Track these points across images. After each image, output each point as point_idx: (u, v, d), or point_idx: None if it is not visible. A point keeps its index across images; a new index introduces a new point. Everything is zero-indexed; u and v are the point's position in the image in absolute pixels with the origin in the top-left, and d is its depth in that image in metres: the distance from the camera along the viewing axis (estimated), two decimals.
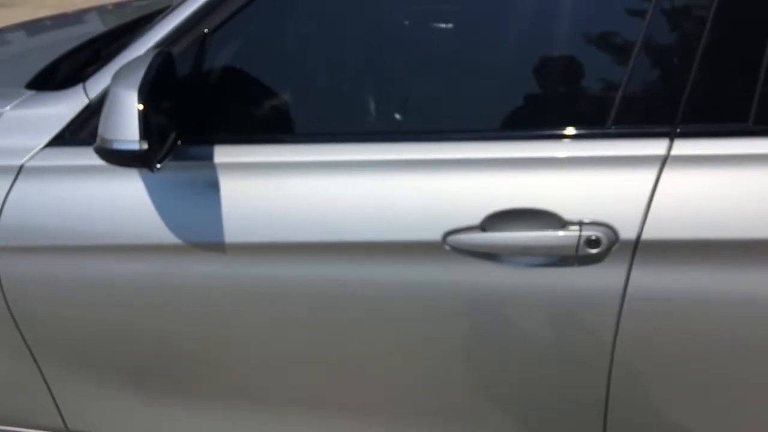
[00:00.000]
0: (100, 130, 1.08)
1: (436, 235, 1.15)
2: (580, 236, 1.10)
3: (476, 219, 1.13)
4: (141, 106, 1.04)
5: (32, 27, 2.32)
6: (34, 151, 1.28)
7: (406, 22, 1.28)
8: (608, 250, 1.11)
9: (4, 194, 1.27)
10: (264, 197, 1.20)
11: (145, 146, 1.05)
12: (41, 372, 1.40)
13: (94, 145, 1.10)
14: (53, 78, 1.53)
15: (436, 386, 1.28)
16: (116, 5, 2.61)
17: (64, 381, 1.41)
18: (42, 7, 7.34)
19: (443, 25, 1.23)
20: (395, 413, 1.33)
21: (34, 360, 1.38)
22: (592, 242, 1.10)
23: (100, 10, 2.54)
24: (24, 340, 1.36)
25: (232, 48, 1.26)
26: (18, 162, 1.27)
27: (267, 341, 1.28)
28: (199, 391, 1.37)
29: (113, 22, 2.24)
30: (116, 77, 1.09)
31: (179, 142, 1.20)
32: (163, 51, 1.14)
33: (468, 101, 1.19)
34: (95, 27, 2.25)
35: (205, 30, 1.23)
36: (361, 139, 1.20)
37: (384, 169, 1.17)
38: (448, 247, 1.15)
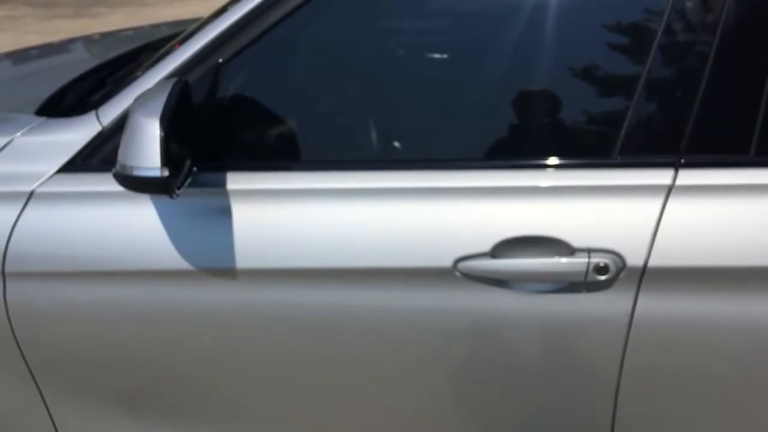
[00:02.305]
0: (120, 157, 1.09)
1: (447, 262, 1.17)
2: (589, 263, 1.13)
3: (486, 246, 1.16)
4: (162, 134, 1.06)
5: (20, 56, 2.33)
6: (45, 177, 1.28)
7: (418, 54, 1.31)
8: (616, 276, 1.14)
9: (13, 219, 1.26)
10: (276, 224, 1.21)
11: (166, 173, 1.06)
12: (43, 398, 1.38)
13: (113, 170, 1.11)
14: (59, 105, 1.54)
15: (446, 411, 1.29)
16: (103, 35, 2.64)
17: (66, 407, 1.39)
18: (29, 33, 7.35)
19: (455, 58, 1.27)
20: None
21: (37, 386, 1.37)
22: (601, 269, 1.13)
23: (87, 39, 2.56)
24: (27, 365, 1.34)
25: (245, 77, 1.29)
26: (29, 188, 1.27)
27: (276, 367, 1.28)
28: (208, 417, 1.37)
29: (101, 51, 2.28)
30: (136, 105, 1.10)
31: (195, 168, 1.22)
32: (181, 80, 1.16)
33: (479, 131, 1.23)
34: (83, 55, 2.28)
35: (220, 60, 1.25)
36: (373, 167, 1.22)
37: (396, 196, 1.19)
38: (459, 273, 1.17)
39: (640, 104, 1.15)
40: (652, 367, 1.18)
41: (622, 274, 1.14)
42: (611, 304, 1.15)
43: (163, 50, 1.59)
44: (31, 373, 1.35)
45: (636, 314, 1.15)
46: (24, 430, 1.44)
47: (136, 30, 2.71)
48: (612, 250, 1.13)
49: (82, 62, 2.14)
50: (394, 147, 1.26)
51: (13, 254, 1.26)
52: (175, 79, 1.16)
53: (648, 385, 1.20)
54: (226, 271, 1.22)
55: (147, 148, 1.06)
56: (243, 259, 1.21)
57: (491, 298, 1.18)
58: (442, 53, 1.29)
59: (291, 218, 1.21)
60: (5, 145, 1.32)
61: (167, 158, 1.07)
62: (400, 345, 1.23)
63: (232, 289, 1.23)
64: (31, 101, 1.61)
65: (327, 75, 1.31)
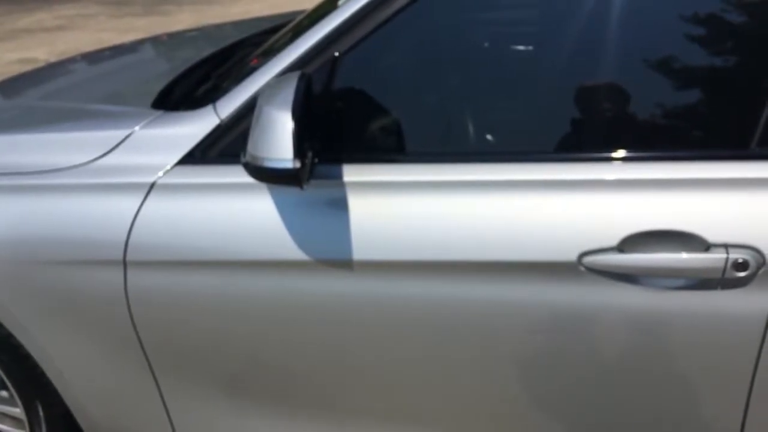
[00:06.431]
0: (250, 148, 1.11)
1: (571, 256, 1.14)
2: (727, 259, 1.08)
3: (614, 240, 1.13)
4: (294, 126, 1.07)
5: (96, 57, 2.43)
6: (166, 168, 1.31)
7: (533, 47, 1.29)
8: (755, 273, 1.09)
9: (135, 210, 1.30)
10: (394, 216, 1.21)
11: (298, 165, 1.07)
12: (155, 377, 1.42)
13: (243, 161, 1.13)
14: (168, 98, 1.57)
15: (566, 409, 1.26)
16: (170, 35, 2.72)
17: (179, 394, 1.43)
18: (102, 31, 7.60)
19: (575, 45, 1.23)
20: None
21: (150, 367, 1.40)
22: (740, 265, 1.08)
23: (155, 40, 2.68)
24: (142, 348, 1.38)
25: (360, 70, 1.29)
26: (150, 179, 1.31)
27: (385, 359, 1.28)
28: (324, 407, 1.38)
29: (168, 51, 2.41)
30: (265, 98, 1.11)
31: (317, 160, 1.22)
32: (306, 73, 1.17)
33: (608, 122, 1.20)
34: (152, 55, 2.40)
35: (336, 53, 1.26)
36: (497, 160, 1.20)
37: (520, 189, 1.17)
38: (584, 267, 1.14)
39: None
40: None
41: (761, 271, 1.09)
42: (747, 301, 1.10)
43: (268, 45, 1.61)
44: (145, 355, 1.39)
45: None
46: (138, 406, 1.48)
47: (200, 30, 2.80)
48: (751, 246, 1.08)
49: (152, 61, 2.31)
50: (517, 139, 1.24)
51: (135, 243, 1.29)
52: (299, 73, 1.16)
53: None
54: (341, 262, 1.22)
55: (279, 140, 1.07)
56: (359, 251, 1.21)
57: (618, 293, 1.14)
58: (559, 46, 1.26)
59: (409, 210, 1.20)
60: (126, 138, 1.36)
61: (298, 150, 1.07)
62: (520, 339, 1.21)
63: (347, 280, 1.23)
64: (106, 96, 1.74)
65: (443, 67, 1.29)
